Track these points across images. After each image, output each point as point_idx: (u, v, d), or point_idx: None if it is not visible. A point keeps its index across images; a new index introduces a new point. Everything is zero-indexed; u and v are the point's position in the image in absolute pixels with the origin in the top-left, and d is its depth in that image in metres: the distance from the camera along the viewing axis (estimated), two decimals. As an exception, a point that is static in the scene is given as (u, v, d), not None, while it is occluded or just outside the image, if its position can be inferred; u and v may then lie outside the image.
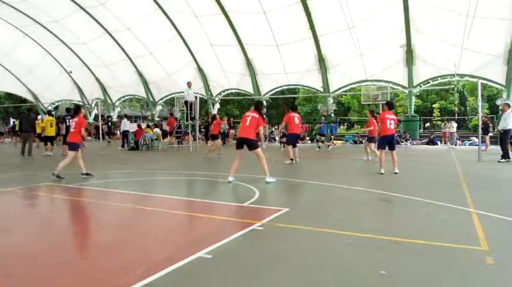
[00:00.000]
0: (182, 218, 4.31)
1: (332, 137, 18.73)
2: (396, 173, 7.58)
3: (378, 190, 5.85)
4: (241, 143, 6.48)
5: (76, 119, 7.31)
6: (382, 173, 7.45)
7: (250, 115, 6.48)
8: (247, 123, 6.42)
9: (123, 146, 16.88)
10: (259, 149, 6.45)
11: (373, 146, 10.42)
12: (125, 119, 18.01)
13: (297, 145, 10.03)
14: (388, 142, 7.74)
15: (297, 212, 4.34)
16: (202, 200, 5.27)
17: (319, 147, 15.63)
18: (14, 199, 5.40)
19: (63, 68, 28.77)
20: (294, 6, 18.38)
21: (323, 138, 16.65)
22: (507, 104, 10.76)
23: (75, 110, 7.71)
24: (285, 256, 2.86)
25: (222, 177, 7.24)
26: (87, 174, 7.15)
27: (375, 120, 10.43)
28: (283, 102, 36.86)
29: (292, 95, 29.96)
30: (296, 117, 9.49)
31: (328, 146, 16.71)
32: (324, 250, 3.05)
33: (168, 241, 3.37)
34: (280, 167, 8.94)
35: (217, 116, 13.57)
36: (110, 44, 24.66)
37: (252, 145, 6.38)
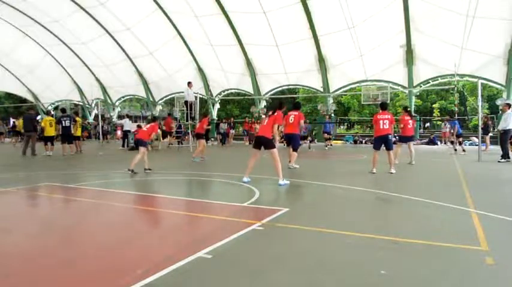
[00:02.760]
0: (182, 218, 4.31)
1: (330, 136, 18.68)
2: (391, 173, 7.58)
3: (378, 190, 5.85)
4: (258, 142, 6.46)
5: (152, 124, 8.38)
6: (374, 173, 7.53)
7: (268, 114, 6.56)
8: (265, 123, 6.47)
9: (123, 146, 16.91)
10: (275, 150, 6.31)
11: (400, 146, 9.94)
12: (127, 119, 18.08)
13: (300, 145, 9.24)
14: (383, 142, 7.77)
15: (297, 212, 4.34)
16: (202, 200, 5.27)
17: (326, 146, 16.50)
18: (14, 199, 5.40)
19: (63, 68, 28.78)
20: (294, 6, 18.37)
21: (329, 136, 17.42)
22: (507, 104, 10.75)
23: (153, 118, 9.23)
24: (285, 256, 2.86)
25: (222, 177, 7.25)
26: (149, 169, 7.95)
27: (407, 117, 9.82)
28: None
29: (292, 95, 29.95)
30: (292, 117, 8.76)
31: (326, 146, 16.81)
32: (324, 250, 3.05)
33: (168, 241, 3.37)
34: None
35: (209, 116, 12.23)
36: (110, 44, 24.65)
37: (267, 143, 6.30)
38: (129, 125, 17.69)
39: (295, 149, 8.71)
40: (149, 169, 7.95)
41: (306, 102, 34.37)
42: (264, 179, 6.72)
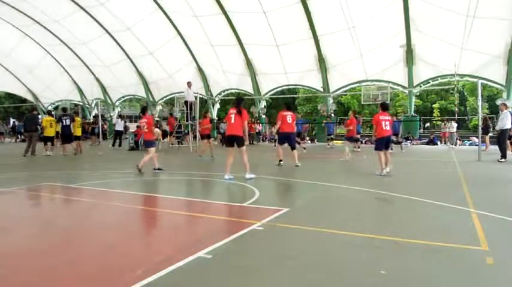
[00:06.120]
0: (182, 218, 4.31)
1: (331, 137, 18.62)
2: (388, 172, 7.48)
3: (378, 190, 5.84)
4: (231, 140, 6.77)
5: (145, 119, 7.89)
6: (381, 175, 7.33)
7: (233, 113, 6.76)
8: (233, 121, 6.72)
9: (113, 145, 17.16)
10: (244, 147, 6.78)
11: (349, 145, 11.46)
12: (118, 119, 18.32)
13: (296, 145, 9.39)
14: (385, 143, 7.73)
15: (297, 212, 4.34)
16: (202, 200, 5.27)
17: (329, 146, 16.13)
18: (14, 199, 5.39)
19: (63, 68, 28.78)
20: (294, 6, 18.37)
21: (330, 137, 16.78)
22: (503, 104, 10.80)
23: (142, 110, 8.18)
24: (285, 256, 2.86)
25: (222, 177, 7.23)
26: (159, 169, 7.80)
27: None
28: (284, 103, 37.03)
29: (292, 95, 29.95)
30: (289, 116, 8.88)
31: (330, 146, 16.67)
32: (324, 250, 3.05)
33: (168, 241, 3.37)
34: (276, 167, 8.88)
35: (208, 115, 12.41)
36: (109, 44, 24.65)
37: (240, 141, 6.71)
38: (121, 125, 18.06)
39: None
40: (158, 169, 7.92)
41: (306, 102, 34.39)
42: (264, 179, 6.72)
